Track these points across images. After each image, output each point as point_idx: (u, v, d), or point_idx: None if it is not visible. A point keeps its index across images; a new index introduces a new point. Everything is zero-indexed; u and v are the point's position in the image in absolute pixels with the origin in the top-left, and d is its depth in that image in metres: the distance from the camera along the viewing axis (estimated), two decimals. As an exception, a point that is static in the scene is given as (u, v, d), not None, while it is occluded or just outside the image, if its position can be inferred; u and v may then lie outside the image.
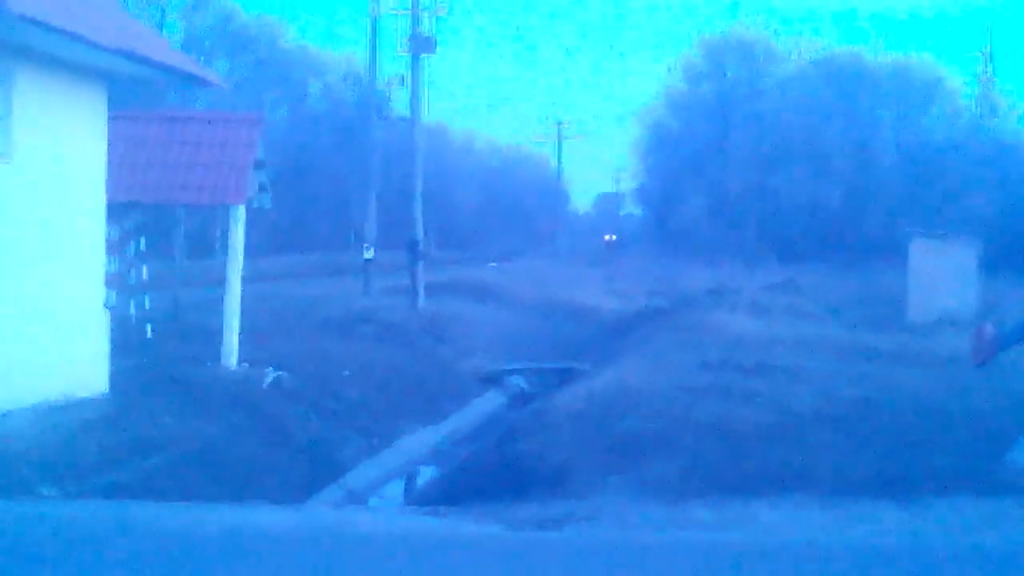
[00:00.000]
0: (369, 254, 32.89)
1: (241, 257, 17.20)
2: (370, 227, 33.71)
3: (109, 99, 13.41)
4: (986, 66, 66.55)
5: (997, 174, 56.22)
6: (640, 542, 3.29)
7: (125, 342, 15.35)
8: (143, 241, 17.65)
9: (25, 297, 11.94)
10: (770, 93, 65.22)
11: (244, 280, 17.43)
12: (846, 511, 4.59)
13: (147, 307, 17.87)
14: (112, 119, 13.62)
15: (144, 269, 17.82)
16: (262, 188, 17.85)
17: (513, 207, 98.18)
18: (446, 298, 32.49)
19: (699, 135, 66.77)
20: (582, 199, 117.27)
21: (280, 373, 16.56)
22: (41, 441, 10.77)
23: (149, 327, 17.73)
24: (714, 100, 67.25)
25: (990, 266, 29.77)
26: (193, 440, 12.17)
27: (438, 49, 33.84)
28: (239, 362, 16.82)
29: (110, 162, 13.50)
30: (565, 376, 20.52)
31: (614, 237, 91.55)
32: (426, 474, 15.07)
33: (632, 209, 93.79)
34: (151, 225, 18.20)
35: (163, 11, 55.29)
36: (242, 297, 17.25)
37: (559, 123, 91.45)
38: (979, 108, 65.26)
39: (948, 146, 60.61)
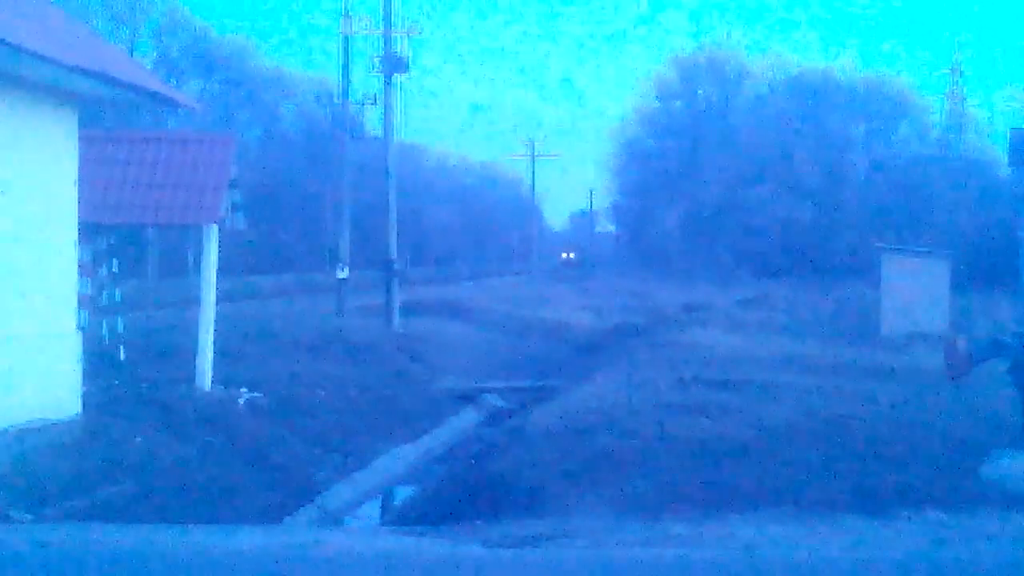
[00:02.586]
0: (343, 273, 32.82)
1: (214, 277, 17.14)
2: (344, 246, 33.64)
3: (80, 120, 13.36)
4: (955, 83, 67.17)
5: (967, 189, 56.64)
6: (616, 559, 3.29)
7: (98, 364, 15.26)
8: (115, 262, 17.57)
9: (-4, 319, 11.85)
10: (742, 111, 65.59)
11: (218, 300, 17.36)
12: (822, 527, 4.60)
13: (120, 328, 17.78)
14: (84, 140, 13.56)
15: (117, 291, 17.73)
16: (235, 208, 17.80)
17: (487, 225, 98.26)
18: (421, 317, 32.47)
19: (672, 153, 67.07)
20: (557, 217, 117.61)
21: (254, 394, 16.50)
22: (12, 464, 10.69)
23: (122, 348, 17.63)
24: (686, 118, 67.58)
25: (961, 281, 29.97)
26: (167, 462, 12.11)
27: (411, 69, 33.88)
28: (213, 383, 16.74)
29: (82, 183, 13.43)
30: (540, 394, 20.51)
31: (572, 255, 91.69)
32: (402, 493, 15.01)
33: (606, 226, 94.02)
34: (124, 246, 18.13)
35: (134, 32, 55.18)
36: (216, 317, 17.18)
37: (532, 141, 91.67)
38: (949, 124, 65.80)
39: (918, 162, 61.06)
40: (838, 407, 14.59)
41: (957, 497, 9.92)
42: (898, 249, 31.05)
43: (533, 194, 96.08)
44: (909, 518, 5.72)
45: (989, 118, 67.44)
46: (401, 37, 33.39)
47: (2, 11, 11.25)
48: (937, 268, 28.53)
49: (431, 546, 3.60)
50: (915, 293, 27.31)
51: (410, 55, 33.66)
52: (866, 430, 13.07)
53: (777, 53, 71.40)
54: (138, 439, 12.54)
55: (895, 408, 14.63)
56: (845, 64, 69.53)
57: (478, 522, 9.28)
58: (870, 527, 4.53)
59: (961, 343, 16.18)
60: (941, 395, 15.34)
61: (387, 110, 33.22)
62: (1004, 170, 51.29)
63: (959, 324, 25.24)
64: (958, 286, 29.15)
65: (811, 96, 63.06)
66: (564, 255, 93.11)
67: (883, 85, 64.46)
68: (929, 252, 31.29)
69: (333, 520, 12.58)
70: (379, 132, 34.49)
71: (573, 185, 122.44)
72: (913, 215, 55.92)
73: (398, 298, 31.21)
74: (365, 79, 35.85)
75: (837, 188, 60.89)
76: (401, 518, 13.35)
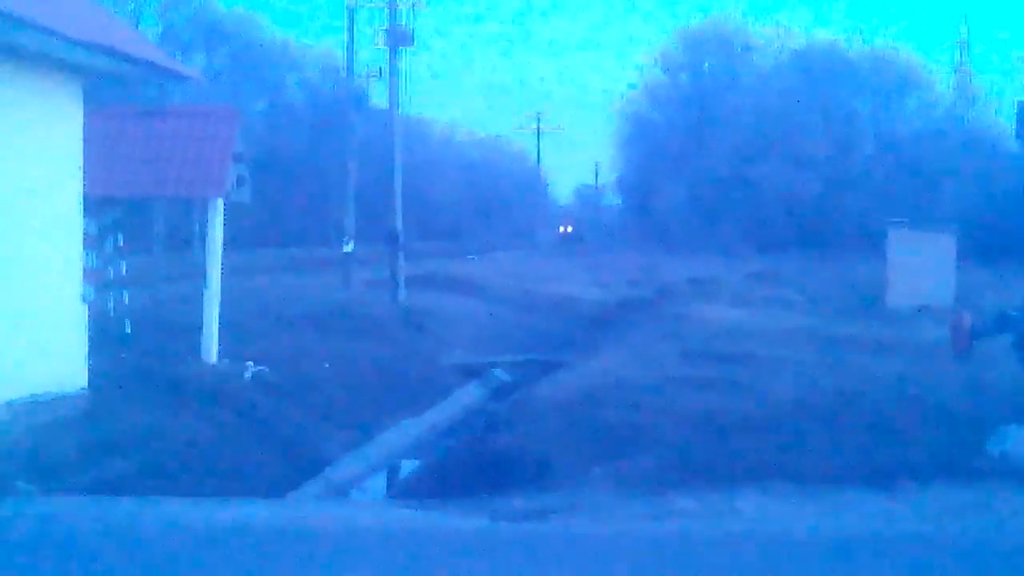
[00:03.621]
0: (349, 247, 32.82)
1: (220, 251, 17.14)
2: (349, 220, 33.63)
3: (85, 94, 13.33)
4: (962, 56, 66.90)
5: (974, 163, 56.50)
6: (623, 533, 3.28)
7: (104, 338, 15.27)
8: (121, 236, 17.57)
9: (2, 293, 11.86)
10: (748, 84, 65.41)
11: (223, 274, 17.37)
12: (828, 500, 4.61)
13: (126, 302, 17.80)
14: (89, 114, 13.54)
15: (123, 264, 17.74)
16: (240, 181, 17.77)
17: (493, 199, 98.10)
18: (427, 291, 32.45)
19: (678, 126, 66.94)
20: (563, 190, 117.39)
21: (260, 368, 16.52)
22: (19, 438, 10.72)
23: (128, 322, 17.65)
24: (692, 91, 67.41)
25: (967, 255, 29.94)
26: (173, 436, 12.14)
27: (417, 41, 33.80)
28: (219, 357, 16.77)
29: (87, 157, 13.41)
30: (547, 368, 20.52)
31: (570, 229, 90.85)
32: (408, 467, 15.05)
33: (612, 200, 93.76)
34: (129, 220, 18.12)
35: (139, 5, 55.05)
36: (222, 291, 17.19)
37: (538, 115, 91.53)
38: (956, 98, 65.57)
39: (925, 136, 60.90)
40: (844, 381, 14.60)
41: (963, 471, 9.94)
42: (904, 223, 30.98)
43: (539, 168, 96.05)
44: (915, 492, 5.72)
45: (997, 91, 67.23)
46: (407, 10, 33.30)
47: (6, -16, 11.21)
48: (944, 242, 28.49)
49: (437, 519, 3.61)
50: (921, 267, 27.28)
51: (415, 28, 33.60)
52: (872, 404, 13.09)
53: (783, 26, 71.15)
54: (144, 413, 12.57)
55: (901, 382, 14.64)
56: (852, 37, 69.19)
57: (484, 496, 9.30)
58: (876, 501, 4.53)
59: (967, 318, 16.17)
60: (947, 369, 15.33)
61: (392, 83, 33.15)
62: (1012, 143, 51.17)
63: (965, 298, 25.20)
64: (965, 260, 29.13)
65: (818, 69, 62.86)
66: (561, 229, 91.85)
67: (890, 58, 64.24)
68: (936, 226, 31.24)
69: (339, 493, 12.61)
70: (385, 105, 34.45)
71: (579, 159, 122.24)
72: (920, 189, 55.82)
73: (404, 272, 31.21)
74: (371, 52, 35.81)
75: (844, 162, 60.78)
76: (407, 492, 13.39)
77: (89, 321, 13.68)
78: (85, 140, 13.31)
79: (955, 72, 66.82)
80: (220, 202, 17.05)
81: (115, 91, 23.93)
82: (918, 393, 13.81)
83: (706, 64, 67.90)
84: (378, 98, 36.46)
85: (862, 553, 2.97)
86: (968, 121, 62.99)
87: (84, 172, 13.33)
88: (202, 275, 17.26)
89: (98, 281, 16.09)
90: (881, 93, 63.98)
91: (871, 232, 38.00)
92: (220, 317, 17.01)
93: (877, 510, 4.14)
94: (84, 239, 13.82)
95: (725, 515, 4.02)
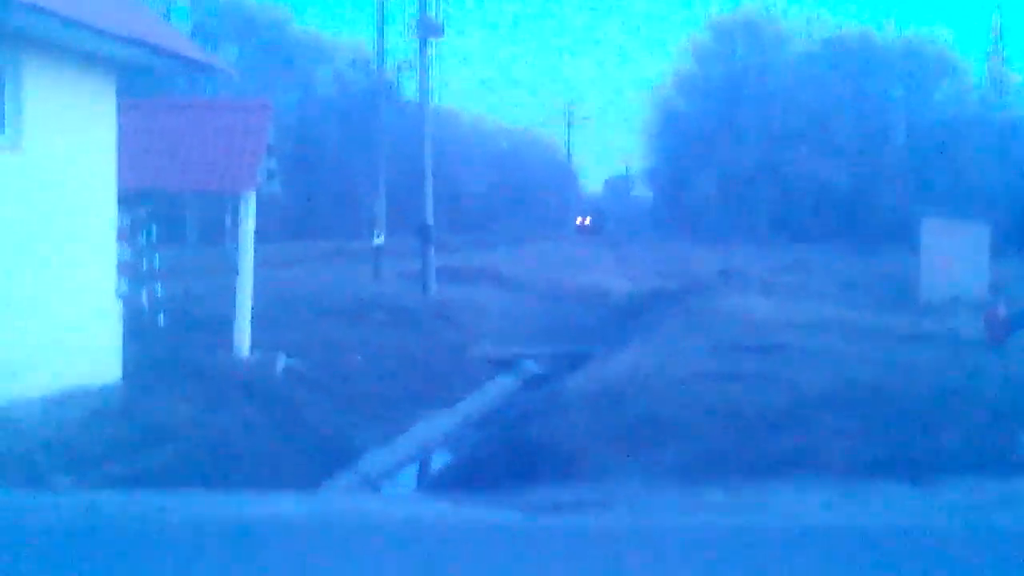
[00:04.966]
0: (379, 240, 32.88)
1: (252, 244, 17.21)
2: (380, 213, 33.68)
3: (118, 87, 13.41)
4: (996, 44, 66.32)
5: (1008, 152, 56.04)
6: (654, 527, 3.29)
7: (138, 331, 15.36)
8: (154, 229, 17.67)
9: (37, 287, 11.96)
10: (779, 73, 65.06)
11: (255, 267, 17.44)
12: (860, 493, 4.59)
13: (159, 295, 17.90)
14: (122, 108, 13.62)
15: (156, 257, 17.84)
16: (271, 174, 17.84)
17: (523, 190, 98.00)
18: (457, 283, 32.48)
19: (708, 116, 66.69)
20: (593, 182, 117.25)
21: (292, 360, 16.59)
22: (55, 430, 10.81)
23: (161, 315, 17.76)
24: (723, 81, 67.14)
25: (1001, 245, 29.70)
26: (206, 428, 12.21)
27: (447, 33, 33.80)
28: (251, 349, 16.85)
29: (120, 151, 13.51)
30: (577, 360, 20.51)
31: (588, 220, 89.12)
32: (439, 459, 15.09)
33: (643, 191, 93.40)
34: (162, 213, 18.22)
35: (170, -1, 55.27)
36: (253, 284, 17.26)
37: (569, 106, 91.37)
38: (989, 86, 65.03)
39: (958, 124, 60.42)
40: (877, 373, 14.52)
41: (998, 464, 9.87)
42: (938, 214, 30.77)
43: (569, 159, 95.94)
44: (948, 486, 5.69)
45: (1031, 80, 66.57)
46: (436, 1, 33.30)
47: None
48: (977, 233, 28.26)
49: (468, 512, 3.61)
50: (955, 258, 27.07)
51: (445, 18, 33.61)
52: (905, 396, 13.00)
53: (815, 15, 70.76)
54: (177, 405, 12.65)
55: (935, 374, 14.54)
56: (884, 25, 68.75)
57: (516, 488, 9.33)
58: (908, 494, 4.51)
59: (1001, 309, 16.09)
60: (981, 361, 15.23)
61: (422, 75, 33.18)
62: (1046, 133, 50.75)
63: (999, 290, 25.01)
64: (998, 251, 28.89)
65: (849, 58, 62.49)
66: (579, 220, 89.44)
67: (922, 46, 63.75)
68: (969, 216, 31.02)
69: (371, 486, 12.66)
70: (415, 97, 34.53)
71: (610, 150, 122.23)
72: (953, 178, 55.43)
73: (434, 264, 31.24)
74: (400, 44, 35.93)
75: (875, 151, 60.42)
76: (439, 484, 13.42)
77: (123, 314, 13.78)
78: (118, 133, 13.40)
79: (988, 60, 66.28)
80: (252, 195, 17.12)
81: (147, 84, 24.07)
82: (952, 385, 13.72)
83: (737, 54, 67.62)
84: (408, 89, 36.58)
85: (893, 546, 2.96)
86: (1001, 109, 62.46)
87: (117, 165, 13.43)
88: (234, 268, 17.34)
89: (132, 274, 16.20)
90: (913, 81, 63.51)
91: (903, 222, 37.81)
92: (252, 309, 17.08)
93: (909, 504, 4.12)
94: (118, 232, 13.91)
95: (756, 508, 4.01)
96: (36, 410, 11.18)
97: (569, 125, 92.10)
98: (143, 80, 21.16)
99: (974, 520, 3.56)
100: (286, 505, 3.92)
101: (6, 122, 11.68)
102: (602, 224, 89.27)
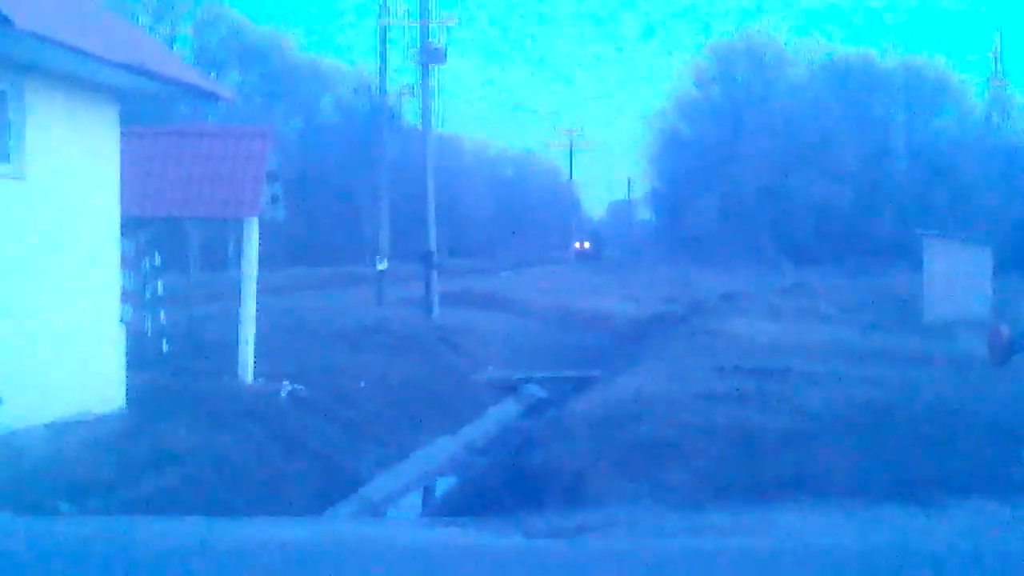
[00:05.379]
0: (382, 265, 32.90)
1: (255, 270, 17.23)
2: (383, 238, 33.72)
3: (121, 115, 13.46)
4: (996, 66, 66.47)
5: (1009, 174, 56.10)
6: (658, 549, 3.29)
7: (141, 357, 15.38)
8: (158, 255, 17.70)
9: (41, 314, 11.98)
10: (781, 97, 65.17)
11: (258, 292, 17.45)
12: (865, 516, 4.59)
13: (163, 321, 17.91)
14: (125, 135, 13.67)
15: (159, 284, 17.86)
16: (274, 200, 17.88)
17: (526, 215, 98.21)
18: (460, 308, 32.50)
19: (710, 140, 66.76)
20: (595, 206, 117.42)
21: (296, 386, 16.57)
22: (59, 457, 10.80)
23: (165, 342, 17.77)
24: (725, 105, 67.25)
25: (1003, 266, 29.69)
26: (210, 454, 12.19)
27: (449, 59, 33.88)
28: (255, 375, 16.84)
29: (123, 178, 13.54)
30: (581, 384, 20.49)
31: (587, 245, 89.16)
32: (444, 484, 15.06)
33: (645, 214, 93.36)
34: (165, 239, 18.25)
35: (173, 26, 55.54)
36: (257, 310, 17.27)
37: (570, 131, 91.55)
38: (990, 108, 65.13)
39: (959, 147, 60.47)
40: (880, 395, 14.50)
41: (1002, 485, 9.85)
42: (940, 235, 30.79)
43: (571, 183, 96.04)
44: (953, 507, 5.68)
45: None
46: (438, 27, 33.42)
47: (44, 7, 11.35)
48: (979, 254, 28.28)
49: (472, 537, 3.62)
50: (957, 279, 27.09)
51: (447, 44, 33.69)
52: (909, 418, 12.99)
53: (816, 38, 70.98)
54: (181, 432, 12.64)
55: (938, 395, 14.52)
56: (885, 49, 68.86)
57: (519, 513, 9.30)
58: (914, 516, 4.51)
59: (1004, 329, 16.05)
60: (985, 382, 15.21)
61: (424, 101, 33.27)
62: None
63: (1002, 310, 25.00)
64: (1001, 272, 28.89)
65: (850, 81, 62.59)
66: (577, 245, 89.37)
67: (923, 69, 63.86)
68: (971, 238, 31.03)
69: (375, 511, 12.64)
70: (417, 123, 34.59)
71: (612, 174, 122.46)
72: (954, 200, 55.43)
73: (437, 289, 31.26)
74: (402, 70, 35.97)
75: (877, 173, 60.44)
76: (442, 509, 13.40)
77: (126, 340, 13.79)
78: (121, 160, 13.45)
79: (989, 83, 66.38)
80: (255, 221, 17.15)
81: (150, 111, 24.15)
82: (956, 406, 13.70)
83: (738, 77, 67.76)
84: (411, 115, 36.64)
85: (899, 569, 2.96)
86: (1002, 132, 62.53)
87: (120, 192, 13.46)
88: (237, 294, 17.36)
89: (135, 301, 16.22)
90: (914, 104, 63.57)
91: (906, 244, 37.79)
92: (255, 335, 17.09)
93: (913, 525, 4.12)
94: (121, 259, 13.93)
95: (760, 531, 4.01)
96: (39, 436, 11.18)
97: (572, 150, 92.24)
98: (146, 107, 21.22)
99: (978, 541, 3.55)
100: (290, 530, 3.93)
101: (10, 150, 11.72)
102: (600, 248, 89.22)
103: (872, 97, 62.93)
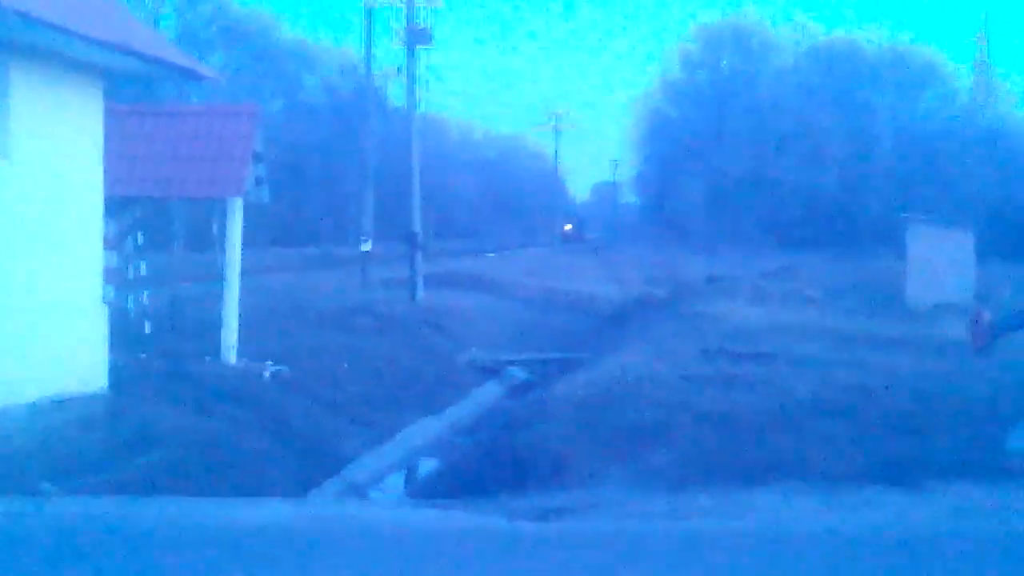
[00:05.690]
0: (367, 246, 32.85)
1: (239, 251, 17.18)
2: (367, 219, 33.66)
3: (105, 94, 13.39)
4: (981, 51, 66.61)
5: (993, 158, 56.25)
6: (641, 531, 3.29)
7: (124, 337, 15.33)
8: (141, 236, 17.63)
9: (23, 294, 11.93)
10: (767, 81, 65.22)
11: (242, 273, 17.41)
12: (847, 498, 4.60)
13: (146, 302, 17.86)
14: (109, 114, 13.60)
15: (142, 264, 17.80)
16: (259, 181, 17.82)
17: (511, 197, 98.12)
18: (445, 289, 32.49)
19: (696, 123, 66.82)
20: (581, 188, 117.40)
21: (279, 367, 16.56)
22: (41, 437, 10.77)
23: (148, 322, 17.71)
24: (711, 89, 67.30)
25: (986, 251, 29.79)
26: (193, 435, 12.18)
27: (434, 40, 33.80)
28: (238, 356, 16.81)
29: (107, 157, 13.48)
30: (565, 366, 20.52)
31: (569, 227, 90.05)
32: (427, 466, 15.06)
33: (630, 197, 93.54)
34: (149, 219, 18.19)
35: (158, 4, 55.22)
36: (240, 291, 17.23)
37: (556, 113, 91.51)
38: (975, 93, 65.27)
39: (944, 131, 60.62)
40: (863, 379, 14.56)
41: (983, 469, 9.89)
42: (923, 219, 30.86)
43: (556, 166, 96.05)
44: (935, 490, 5.70)
45: (1017, 87, 66.85)
46: (424, 9, 33.32)
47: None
48: (962, 238, 28.37)
49: (455, 519, 3.62)
50: (940, 264, 27.17)
51: (433, 26, 33.61)
52: (891, 402, 13.05)
53: (802, 22, 71.00)
54: (164, 413, 12.62)
55: (921, 379, 14.58)
56: (871, 33, 69.00)
57: (502, 495, 9.31)
58: (895, 500, 4.52)
59: (985, 314, 16.09)
60: (966, 366, 15.26)
61: (410, 82, 33.20)
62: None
63: (984, 295, 25.09)
64: (983, 256, 28.98)
65: (836, 65, 62.66)
66: (566, 227, 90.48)
67: (909, 54, 63.97)
68: (954, 222, 31.11)
69: (358, 492, 12.63)
70: (403, 104, 34.52)
71: (598, 157, 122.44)
72: (939, 184, 55.59)
73: (422, 270, 31.24)
74: (388, 51, 35.91)
75: (862, 158, 60.56)
76: (426, 491, 13.41)
77: (109, 321, 13.74)
78: (105, 139, 13.37)
79: (974, 67, 66.54)
80: (239, 202, 17.09)
81: (135, 91, 24.03)
82: (938, 390, 13.76)
83: (724, 61, 67.80)
84: (396, 96, 36.60)
85: (880, 552, 2.97)
86: (987, 117, 62.67)
87: (104, 172, 13.40)
88: (221, 274, 17.31)
89: (118, 281, 16.16)
90: (900, 89, 63.67)
91: (890, 228, 37.88)
92: (239, 316, 17.05)
93: (896, 508, 4.13)
94: (104, 239, 13.87)
95: (743, 513, 4.02)
96: (22, 417, 11.15)
97: (556, 132, 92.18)
98: (130, 86, 21.12)
99: (960, 525, 3.57)
100: (274, 511, 3.92)
101: (-7, 129, 11.66)
102: (582, 230, 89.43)
103: (858, 82, 63.01)
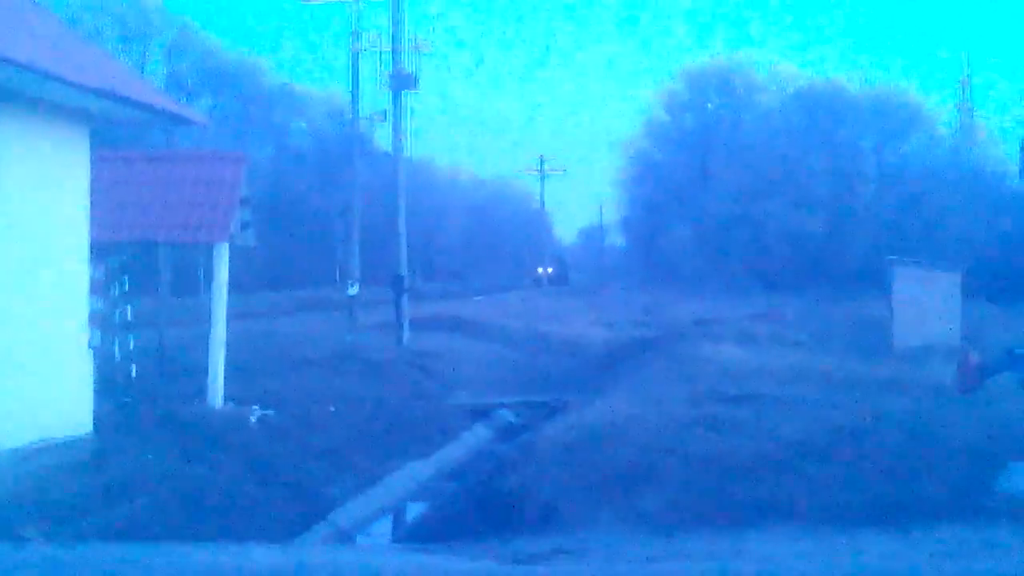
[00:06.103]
0: (353, 290, 32.86)
1: (225, 295, 17.15)
2: (354, 263, 33.70)
3: (92, 139, 13.39)
4: (965, 94, 67.10)
5: (977, 201, 56.54)
6: (629, 575, 3.27)
7: (110, 382, 15.27)
8: (127, 280, 17.58)
9: (8, 338, 11.87)
10: (752, 124, 65.54)
11: (229, 317, 17.37)
12: (836, 541, 4.59)
13: (132, 347, 17.78)
14: (96, 159, 13.60)
15: (128, 309, 17.74)
16: (246, 225, 17.81)
17: (498, 240, 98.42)
18: (432, 333, 32.45)
19: (681, 166, 67.09)
20: (567, 231, 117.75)
21: (266, 411, 16.49)
22: (25, 483, 10.69)
23: (134, 366, 17.63)
24: (696, 131, 67.59)
25: (972, 293, 29.89)
26: (179, 480, 12.10)
27: (420, 86, 33.96)
28: (225, 400, 16.74)
29: (94, 202, 13.46)
30: (553, 409, 20.46)
31: (550, 270, 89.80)
32: (415, 510, 14.99)
33: (617, 240, 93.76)
34: (136, 264, 18.14)
35: (145, 50, 55.41)
36: (227, 335, 17.19)
37: (542, 157, 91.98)
38: (959, 136, 65.67)
39: (928, 174, 60.92)
40: (852, 421, 14.53)
41: (972, 510, 9.87)
42: (909, 262, 30.97)
43: (543, 209, 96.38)
44: (924, 532, 5.69)
45: (1000, 129, 67.37)
46: (410, 53, 33.51)
47: (13, 31, 11.30)
48: (949, 280, 28.47)
49: (444, 563, 3.60)
50: (927, 306, 27.24)
51: (419, 71, 33.78)
52: (880, 444, 13.01)
53: (787, 66, 71.40)
54: (150, 458, 12.54)
55: (909, 421, 14.57)
56: (855, 76, 69.35)
57: (492, 539, 9.25)
58: (885, 541, 4.51)
59: (973, 356, 16.14)
60: (955, 408, 15.27)
61: (396, 126, 33.32)
62: (1015, 181, 51.24)
63: (971, 336, 25.16)
64: (970, 298, 29.08)
65: (821, 108, 63.00)
66: (540, 271, 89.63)
67: (893, 97, 64.34)
68: (940, 264, 31.23)
69: (345, 538, 12.56)
70: (389, 148, 34.62)
71: (584, 200, 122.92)
72: (924, 226, 55.85)
73: (409, 314, 31.22)
74: (375, 95, 36.05)
75: (848, 200, 60.83)
76: (414, 535, 13.33)
77: (95, 365, 13.68)
78: (92, 184, 13.37)
79: (958, 110, 66.98)
80: (225, 247, 17.08)
81: (122, 136, 24.07)
82: (926, 432, 13.74)
83: (709, 104, 68.10)
84: (383, 140, 36.71)
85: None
86: (971, 159, 63.01)
87: (91, 216, 13.38)
88: (208, 318, 17.27)
89: (104, 325, 16.10)
90: (884, 131, 63.98)
91: (875, 269, 37.99)
92: (226, 360, 17.00)
93: (886, 550, 4.13)
94: (90, 284, 13.84)
95: (735, 556, 4.00)
96: (5, 463, 11.06)
97: (542, 176, 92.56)
98: (118, 132, 21.15)
99: (953, 568, 3.56)
100: (260, 557, 3.89)
101: (-22, 174, 11.64)
102: (565, 273, 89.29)
103: (842, 124, 63.37)
